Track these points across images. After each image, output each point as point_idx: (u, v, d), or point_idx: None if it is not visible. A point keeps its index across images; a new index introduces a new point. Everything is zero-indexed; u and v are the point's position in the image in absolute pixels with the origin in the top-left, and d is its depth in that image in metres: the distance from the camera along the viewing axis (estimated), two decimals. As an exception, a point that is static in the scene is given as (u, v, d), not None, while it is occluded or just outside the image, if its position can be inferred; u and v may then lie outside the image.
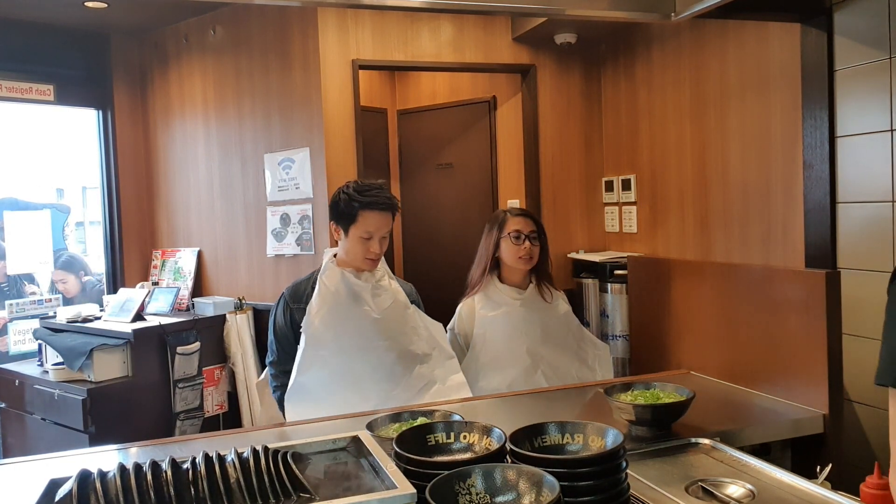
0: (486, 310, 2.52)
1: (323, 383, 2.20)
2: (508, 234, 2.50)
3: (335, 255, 2.30)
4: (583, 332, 2.62)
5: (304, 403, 2.21)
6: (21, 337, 4.07)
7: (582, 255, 3.99)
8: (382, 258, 2.33)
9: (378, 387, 2.19)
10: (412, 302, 2.36)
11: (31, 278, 4.23)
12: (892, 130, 2.40)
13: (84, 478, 1.16)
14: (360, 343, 2.20)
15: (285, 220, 3.92)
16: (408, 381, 2.23)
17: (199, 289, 4.34)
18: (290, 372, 2.20)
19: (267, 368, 2.39)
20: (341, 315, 2.20)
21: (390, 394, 2.19)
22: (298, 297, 2.26)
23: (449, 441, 1.44)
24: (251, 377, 3.93)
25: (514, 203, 4.16)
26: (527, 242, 2.48)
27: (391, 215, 2.21)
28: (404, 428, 1.55)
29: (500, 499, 1.17)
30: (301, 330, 2.22)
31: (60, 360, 3.55)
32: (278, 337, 2.29)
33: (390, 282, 2.32)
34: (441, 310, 2.71)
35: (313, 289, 2.25)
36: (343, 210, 2.18)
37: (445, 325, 2.59)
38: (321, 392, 2.20)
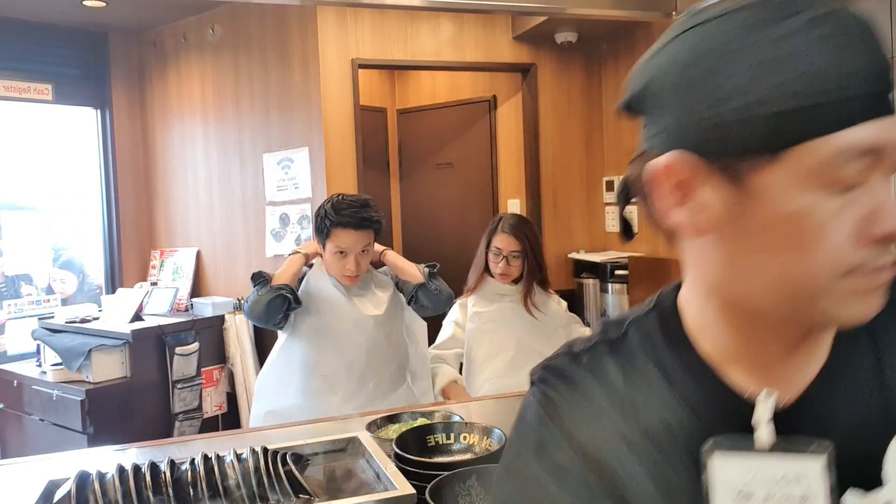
0: (479, 306, 2.58)
1: (293, 371, 2.25)
2: (490, 248, 2.56)
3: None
4: (570, 329, 2.63)
5: (270, 387, 2.29)
6: (19, 337, 4.05)
7: (582, 256, 3.98)
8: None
9: (348, 383, 2.23)
10: (396, 285, 2.38)
11: (28, 279, 4.21)
12: (894, 129, 2.40)
13: (82, 479, 1.15)
14: (338, 340, 2.24)
15: (284, 220, 3.90)
16: (379, 380, 2.27)
17: (197, 289, 4.33)
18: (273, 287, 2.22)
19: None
20: (323, 311, 2.24)
21: (359, 391, 2.22)
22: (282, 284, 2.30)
23: (449, 442, 1.44)
24: (250, 378, 3.92)
25: (515, 203, 4.16)
26: (503, 262, 2.52)
27: (368, 233, 2.19)
28: (404, 429, 1.54)
29: (501, 500, 1.16)
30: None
31: (59, 360, 3.54)
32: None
33: (373, 282, 2.33)
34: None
35: (300, 281, 2.29)
36: (319, 226, 2.21)
37: (441, 325, 2.63)
38: (290, 378, 2.25)
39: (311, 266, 2.33)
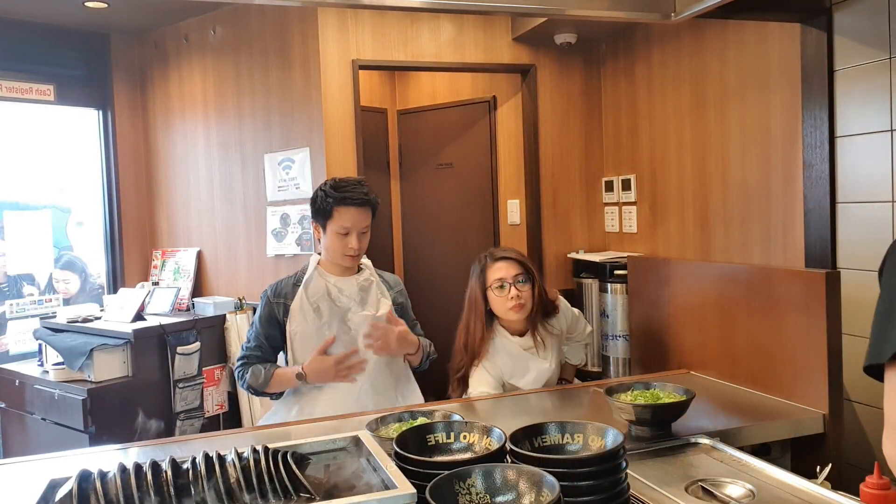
0: (516, 378, 2.34)
1: (294, 398, 2.26)
2: (490, 285, 2.31)
3: (319, 262, 2.33)
4: (574, 333, 2.57)
5: (275, 415, 2.30)
6: (21, 337, 4.07)
7: (582, 255, 3.99)
8: (368, 261, 2.36)
9: (346, 407, 2.24)
10: (397, 293, 2.38)
11: (30, 279, 4.23)
12: (891, 130, 2.41)
13: (84, 478, 1.16)
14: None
15: (285, 220, 3.92)
16: (377, 400, 2.28)
17: (199, 289, 4.34)
18: (258, 356, 2.29)
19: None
20: (321, 334, 2.25)
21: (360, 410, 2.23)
22: (279, 294, 2.31)
23: (449, 441, 1.44)
24: (251, 377, 3.93)
25: (515, 204, 4.16)
26: (513, 289, 2.27)
27: (368, 211, 2.24)
28: (404, 428, 1.55)
29: (499, 499, 1.17)
30: (285, 343, 2.28)
31: (60, 360, 3.55)
32: (257, 325, 2.32)
33: (376, 288, 2.33)
34: (439, 310, 2.71)
35: (295, 286, 2.29)
36: (320, 207, 2.23)
37: (441, 329, 2.59)
38: (293, 408, 2.26)
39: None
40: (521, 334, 2.37)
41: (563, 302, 2.51)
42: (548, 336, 2.39)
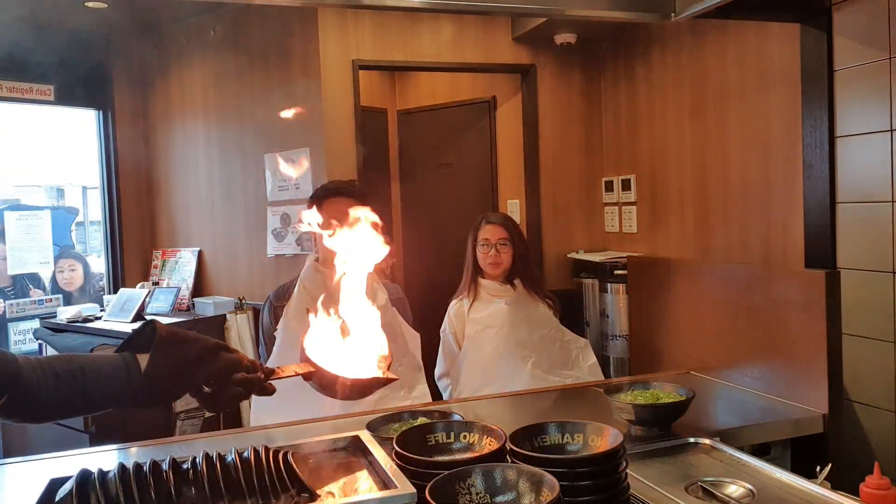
0: (476, 311, 2.65)
1: (288, 387, 2.23)
2: (478, 241, 2.71)
3: (317, 259, 2.36)
4: (563, 331, 2.74)
5: (268, 407, 2.26)
6: (22, 337, 4.07)
7: (582, 255, 3.99)
8: None
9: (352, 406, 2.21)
10: (396, 300, 2.40)
11: (36, 280, 4.23)
12: (891, 130, 2.41)
13: (84, 477, 1.16)
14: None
15: (285, 220, 3.92)
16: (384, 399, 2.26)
17: (199, 289, 4.34)
18: None
19: None
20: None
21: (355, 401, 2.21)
22: (281, 296, 2.35)
23: (449, 441, 1.44)
24: (251, 377, 3.93)
25: (515, 204, 4.17)
26: (493, 250, 2.66)
27: (355, 202, 2.26)
28: (404, 428, 1.55)
29: (499, 499, 1.17)
30: (276, 333, 2.27)
31: (61, 360, 3.55)
32: (266, 339, 2.34)
33: (372, 280, 2.34)
34: (440, 309, 2.72)
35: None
36: (312, 204, 2.36)
37: (439, 328, 2.65)
38: (286, 396, 2.23)
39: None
40: (494, 279, 2.73)
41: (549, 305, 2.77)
42: (524, 296, 2.68)
